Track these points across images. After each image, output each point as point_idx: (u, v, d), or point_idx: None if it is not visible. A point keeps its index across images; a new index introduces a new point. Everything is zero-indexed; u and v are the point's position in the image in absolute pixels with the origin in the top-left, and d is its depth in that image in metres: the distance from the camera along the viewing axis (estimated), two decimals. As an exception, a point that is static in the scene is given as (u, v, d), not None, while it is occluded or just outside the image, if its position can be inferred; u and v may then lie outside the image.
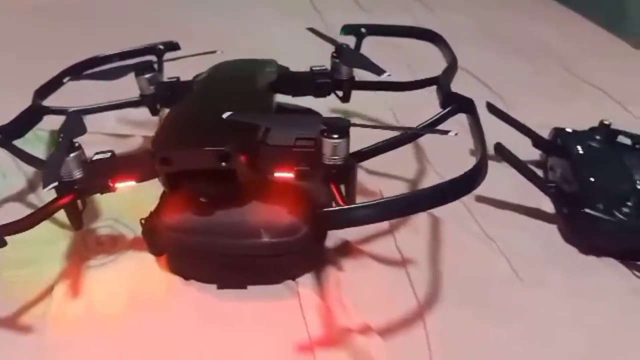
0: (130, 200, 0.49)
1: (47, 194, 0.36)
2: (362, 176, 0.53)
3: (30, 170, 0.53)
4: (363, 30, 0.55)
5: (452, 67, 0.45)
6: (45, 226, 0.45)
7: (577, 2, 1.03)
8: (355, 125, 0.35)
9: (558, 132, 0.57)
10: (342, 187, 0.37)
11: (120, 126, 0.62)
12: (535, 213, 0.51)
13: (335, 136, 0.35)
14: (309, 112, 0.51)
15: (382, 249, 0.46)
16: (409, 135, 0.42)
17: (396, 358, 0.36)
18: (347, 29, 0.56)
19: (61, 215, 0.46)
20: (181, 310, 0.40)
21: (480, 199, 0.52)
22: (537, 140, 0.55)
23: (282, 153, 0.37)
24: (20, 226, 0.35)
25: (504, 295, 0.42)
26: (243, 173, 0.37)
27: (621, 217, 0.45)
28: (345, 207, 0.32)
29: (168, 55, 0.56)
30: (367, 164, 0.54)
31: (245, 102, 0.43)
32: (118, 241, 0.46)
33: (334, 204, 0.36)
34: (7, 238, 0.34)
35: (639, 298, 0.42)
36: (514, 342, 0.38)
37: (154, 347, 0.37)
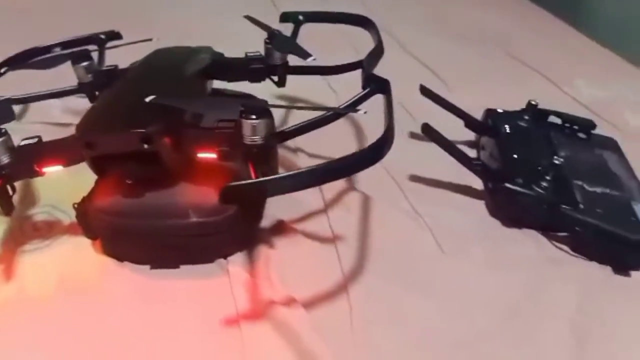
0: (68, 187, 0.50)
1: None
2: (303, 159, 0.55)
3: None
4: (300, 17, 0.56)
5: (376, 51, 0.47)
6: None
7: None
8: (272, 106, 0.37)
9: (489, 112, 0.59)
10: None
11: (64, 115, 0.62)
12: (465, 190, 0.53)
13: (254, 117, 0.36)
14: (248, 97, 0.52)
15: (315, 227, 0.48)
16: (327, 118, 0.44)
17: (318, 328, 0.38)
18: (286, 17, 0.57)
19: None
20: (114, 291, 0.41)
21: (414, 178, 0.54)
22: (468, 121, 0.57)
23: (204, 135, 0.39)
24: None
25: (426, 267, 0.44)
26: (167, 155, 0.38)
27: (540, 191, 0.47)
28: (247, 181, 0.33)
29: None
30: (306, 145, 0.56)
31: (174, 88, 0.44)
32: (54, 226, 0.46)
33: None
34: None
35: (556, 267, 0.45)
36: (432, 312, 0.40)
37: (87, 328, 0.38)
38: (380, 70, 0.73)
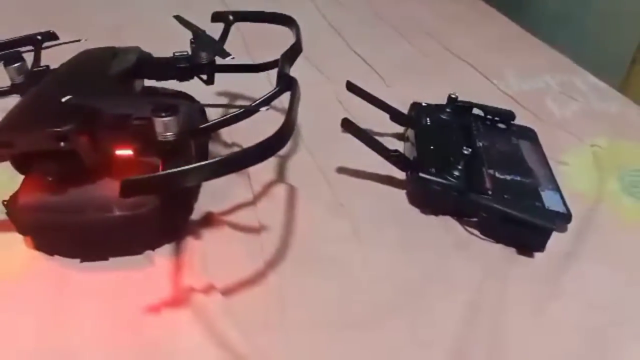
0: (6, 185, 0.51)
1: None
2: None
3: None
4: (231, 17, 0.58)
5: (292, 50, 0.49)
6: None
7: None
8: (182, 104, 0.39)
9: (415, 106, 0.62)
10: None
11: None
12: (388, 180, 0.56)
13: (163, 114, 0.39)
14: (179, 95, 0.54)
15: (243, 219, 0.50)
16: (240, 114, 0.46)
17: (233, 312, 0.41)
18: (216, 16, 0.59)
19: None
20: (42, 285, 0.43)
21: (341, 170, 0.57)
22: (393, 114, 0.60)
23: (121, 133, 0.41)
24: None
25: (341, 253, 0.47)
26: (85, 152, 0.40)
27: (451, 179, 0.50)
28: (144, 176, 0.35)
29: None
30: (241, 139, 0.58)
31: (96, 87, 0.45)
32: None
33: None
34: None
35: (463, 249, 0.48)
36: (337, 292, 0.43)
37: (12, 321, 0.40)
38: (321, 66, 0.76)
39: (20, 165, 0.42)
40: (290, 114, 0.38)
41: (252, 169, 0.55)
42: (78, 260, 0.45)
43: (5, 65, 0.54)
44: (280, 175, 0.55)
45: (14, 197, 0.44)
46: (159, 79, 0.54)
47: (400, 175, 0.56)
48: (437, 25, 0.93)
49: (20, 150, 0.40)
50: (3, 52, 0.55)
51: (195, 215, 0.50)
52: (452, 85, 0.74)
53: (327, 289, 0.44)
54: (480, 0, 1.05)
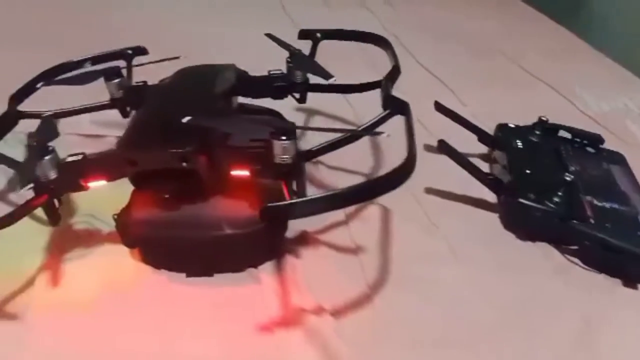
0: (105, 198, 0.53)
1: (26, 193, 0.40)
2: (324, 173, 0.57)
3: (10, 170, 0.56)
4: (318, 35, 0.59)
5: (394, 71, 0.49)
6: (25, 223, 0.49)
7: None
8: (299, 128, 0.40)
9: (501, 127, 0.62)
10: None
11: (94, 127, 0.65)
12: (479, 203, 0.55)
13: (284, 138, 0.39)
14: (270, 112, 0.55)
15: (337, 238, 0.50)
16: (349, 138, 0.47)
17: (344, 335, 0.41)
18: (304, 34, 0.60)
19: (38, 210, 0.50)
20: (152, 297, 0.44)
21: (430, 191, 0.57)
22: (481, 136, 0.59)
23: (238, 154, 0.42)
24: (4, 221, 0.38)
25: (439, 274, 0.47)
26: (203, 172, 0.41)
27: (551, 205, 0.50)
28: (287, 202, 0.36)
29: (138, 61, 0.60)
30: (329, 161, 0.58)
31: (205, 106, 0.46)
32: (95, 235, 0.49)
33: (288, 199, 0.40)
34: None
35: (565, 276, 0.48)
36: (443, 314, 0.43)
37: (127, 332, 0.41)
38: (396, 84, 0.76)
39: (138, 181, 0.43)
40: (412, 142, 0.38)
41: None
42: (184, 274, 0.46)
43: (106, 80, 0.56)
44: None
45: (126, 211, 0.45)
46: (254, 97, 0.55)
47: (491, 197, 0.55)
48: (509, 42, 0.92)
49: (142, 169, 0.41)
50: (104, 67, 0.57)
51: (290, 233, 0.50)
52: (527, 104, 0.74)
53: (430, 308, 0.44)
54: (550, 19, 1.04)
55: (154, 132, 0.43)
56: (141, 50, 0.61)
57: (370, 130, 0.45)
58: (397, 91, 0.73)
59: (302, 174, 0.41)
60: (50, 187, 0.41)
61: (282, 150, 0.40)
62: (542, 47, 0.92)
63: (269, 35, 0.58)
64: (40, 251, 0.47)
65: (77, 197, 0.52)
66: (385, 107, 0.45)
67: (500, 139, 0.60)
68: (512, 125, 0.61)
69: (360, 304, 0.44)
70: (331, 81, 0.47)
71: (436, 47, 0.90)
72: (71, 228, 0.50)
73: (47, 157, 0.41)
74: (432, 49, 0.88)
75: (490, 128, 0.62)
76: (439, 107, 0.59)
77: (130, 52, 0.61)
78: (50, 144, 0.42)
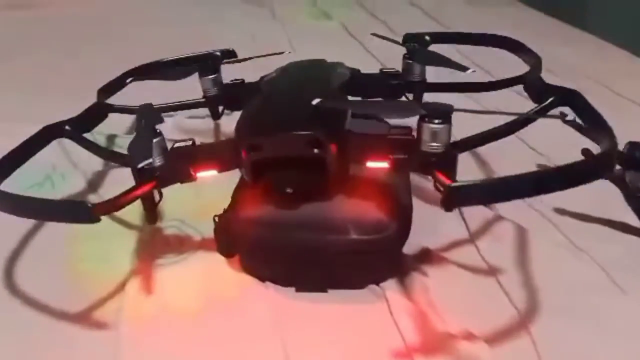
0: (195, 202, 0.47)
1: (108, 192, 0.34)
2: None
3: (88, 170, 0.51)
4: (427, 38, 0.53)
5: (537, 65, 0.43)
6: (109, 223, 0.43)
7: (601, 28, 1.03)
8: (458, 110, 0.33)
9: (635, 145, 0.54)
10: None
11: (175, 133, 0.60)
12: (621, 226, 0.48)
13: (437, 121, 0.33)
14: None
15: (465, 257, 0.43)
16: (512, 125, 0.40)
17: (505, 366, 0.33)
18: (410, 38, 0.54)
19: (125, 211, 0.44)
20: (258, 313, 0.37)
21: (560, 212, 0.49)
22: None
23: (375, 141, 0.35)
24: (109, 206, 0.33)
25: (606, 305, 0.39)
26: (332, 162, 0.35)
27: None
28: (478, 181, 0.29)
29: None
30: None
31: (326, 96, 0.40)
32: (185, 242, 0.43)
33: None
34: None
35: None
36: (623, 352, 0.35)
37: (229, 351, 0.34)
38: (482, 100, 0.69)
39: (255, 173, 0.36)
40: (606, 126, 0.31)
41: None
42: (292, 289, 0.39)
43: (201, 76, 0.51)
44: (494, 210, 0.48)
45: (231, 210, 0.39)
46: (365, 96, 0.49)
47: (633, 219, 0.48)
48: (594, 70, 0.86)
49: (267, 155, 0.35)
50: (199, 64, 0.52)
51: (408, 250, 0.43)
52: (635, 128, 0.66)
53: (602, 345, 0.35)
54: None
55: (279, 115, 0.37)
56: (230, 53, 0.57)
57: (533, 117, 0.38)
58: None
59: (454, 167, 0.34)
60: (156, 175, 0.35)
61: (432, 136, 0.33)
62: (625, 75, 0.85)
63: (376, 34, 0.53)
64: (129, 255, 0.41)
65: (163, 200, 0.46)
66: (541, 98, 0.39)
67: (635, 157, 0.52)
68: (647, 144, 0.54)
69: (516, 332, 0.36)
70: (468, 74, 0.40)
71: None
72: (160, 232, 0.44)
73: (154, 140, 0.35)
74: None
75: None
76: (567, 121, 0.52)
77: (218, 53, 0.56)
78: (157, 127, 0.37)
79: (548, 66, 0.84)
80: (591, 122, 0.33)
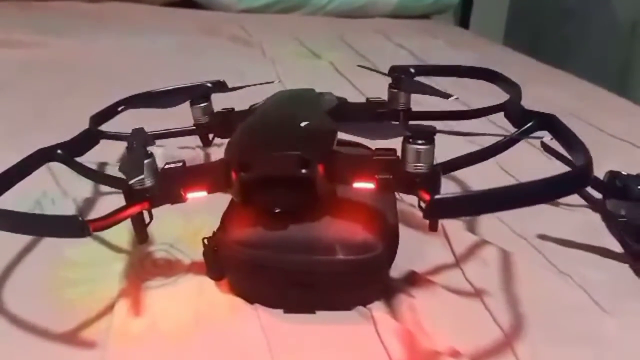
0: (185, 226, 0.47)
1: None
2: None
3: (79, 196, 0.52)
4: (412, 70, 0.55)
5: (517, 93, 0.45)
6: (95, 248, 0.44)
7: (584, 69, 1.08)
8: (441, 132, 0.34)
9: (614, 174, 0.56)
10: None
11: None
12: (602, 251, 0.49)
13: (420, 142, 0.34)
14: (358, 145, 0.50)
15: (451, 280, 0.44)
16: (494, 147, 0.41)
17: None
18: (395, 70, 0.56)
19: (114, 237, 0.45)
20: (246, 334, 0.37)
21: (543, 237, 0.50)
22: (595, 183, 0.54)
23: (361, 162, 0.36)
24: (101, 222, 0.33)
25: (588, 325, 0.39)
26: (320, 182, 0.36)
27: None
28: (462, 194, 0.30)
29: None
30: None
31: (315, 119, 0.42)
32: (174, 265, 0.43)
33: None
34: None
35: None
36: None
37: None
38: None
39: (244, 194, 0.37)
40: (583, 146, 0.32)
41: (448, 227, 0.49)
42: (281, 310, 0.39)
43: (192, 104, 0.52)
44: (477, 234, 0.49)
45: (220, 232, 0.39)
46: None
47: (614, 245, 0.49)
48: (577, 108, 0.89)
49: (257, 175, 0.36)
50: (190, 92, 0.53)
51: (394, 273, 0.44)
52: (618, 163, 0.68)
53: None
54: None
55: (269, 136, 0.38)
56: (221, 85, 0.58)
57: (510, 145, 0.39)
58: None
59: (438, 187, 0.35)
60: (146, 196, 0.36)
61: (416, 156, 0.34)
62: (607, 113, 0.87)
63: (362, 66, 0.55)
64: (118, 277, 0.41)
65: (152, 223, 0.47)
66: (521, 123, 0.40)
67: (616, 186, 0.54)
68: (625, 173, 0.55)
69: (501, 351, 0.36)
70: (450, 101, 0.42)
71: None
72: (149, 256, 0.44)
73: (146, 161, 0.36)
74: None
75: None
76: (547, 148, 0.54)
77: (210, 85, 0.58)
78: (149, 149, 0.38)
79: (530, 105, 0.87)
80: (568, 143, 0.34)
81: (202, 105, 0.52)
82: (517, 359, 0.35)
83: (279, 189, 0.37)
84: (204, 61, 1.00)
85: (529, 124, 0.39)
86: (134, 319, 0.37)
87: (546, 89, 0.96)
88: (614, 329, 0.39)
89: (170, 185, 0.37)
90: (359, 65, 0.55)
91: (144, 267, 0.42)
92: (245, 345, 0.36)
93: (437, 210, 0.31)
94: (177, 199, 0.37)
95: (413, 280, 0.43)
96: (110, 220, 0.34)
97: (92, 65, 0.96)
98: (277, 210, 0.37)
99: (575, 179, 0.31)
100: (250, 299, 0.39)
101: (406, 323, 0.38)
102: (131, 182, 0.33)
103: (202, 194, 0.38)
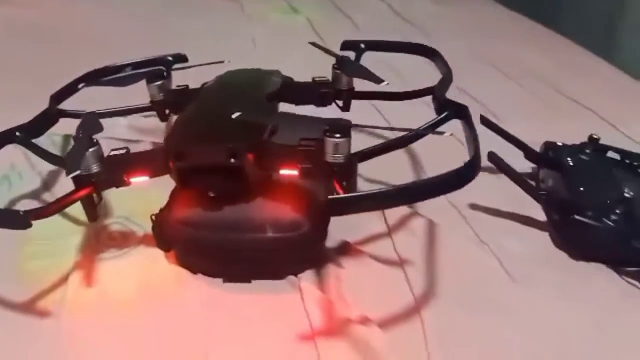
0: (140, 200, 0.51)
1: (60, 191, 0.38)
2: (360, 183, 0.56)
3: (44, 170, 0.56)
4: (362, 45, 0.58)
5: (447, 78, 0.48)
6: (59, 222, 0.48)
7: (568, 28, 1.07)
8: (356, 125, 0.38)
9: (549, 145, 0.59)
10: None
11: (130, 132, 0.64)
12: (527, 221, 0.53)
13: (338, 135, 0.38)
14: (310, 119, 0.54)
15: (381, 250, 0.48)
16: (406, 138, 0.45)
17: (394, 347, 0.38)
18: (347, 45, 0.59)
19: (74, 211, 0.49)
20: (189, 302, 0.42)
21: (474, 207, 0.54)
22: (529, 153, 0.57)
23: (287, 152, 0.40)
24: (42, 212, 0.37)
25: (495, 293, 0.44)
26: (250, 170, 0.39)
27: (610, 224, 0.47)
28: (352, 194, 0.34)
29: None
30: (364, 170, 0.56)
31: (251, 107, 0.45)
32: (129, 237, 0.48)
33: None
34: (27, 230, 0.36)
35: (628, 301, 0.44)
36: (506, 337, 0.40)
37: (162, 336, 0.39)
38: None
39: (182, 179, 0.41)
40: (476, 141, 0.36)
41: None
42: (221, 280, 0.44)
43: (148, 82, 0.55)
44: (413, 207, 0.53)
45: (165, 211, 0.44)
46: (298, 103, 0.53)
47: (539, 215, 0.53)
48: (544, 69, 0.91)
49: (190, 164, 0.39)
50: (147, 70, 0.56)
51: (329, 243, 0.48)
52: (568, 128, 0.71)
53: (486, 330, 0.41)
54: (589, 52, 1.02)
55: (202, 127, 0.42)
56: (181, 58, 0.61)
57: (428, 131, 0.43)
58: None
59: (354, 175, 0.39)
60: (93, 181, 0.40)
61: (334, 148, 0.38)
62: (578, 75, 0.89)
63: (313, 44, 0.58)
64: (74, 250, 0.45)
65: (111, 198, 0.51)
66: (440, 111, 0.44)
67: (548, 156, 0.57)
68: (560, 144, 0.59)
69: (410, 317, 0.41)
70: (382, 86, 0.45)
71: (473, 74, 0.88)
72: (105, 229, 0.48)
73: (91, 150, 0.40)
74: (469, 75, 0.87)
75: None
76: (485, 121, 0.57)
77: (170, 58, 0.60)
78: (94, 137, 0.41)
79: (507, 68, 0.89)
80: (470, 137, 0.38)
81: (158, 83, 0.54)
82: (423, 325, 0.40)
83: (213, 175, 0.40)
84: (184, 21, 1.01)
85: (444, 114, 0.43)
86: (86, 289, 0.41)
87: (522, 48, 0.98)
88: (519, 298, 0.44)
89: (115, 171, 0.41)
90: (310, 43, 0.57)
91: (100, 239, 0.47)
92: (185, 313, 0.41)
93: (332, 209, 0.34)
94: (121, 183, 0.41)
95: (345, 250, 0.48)
96: (52, 209, 0.38)
97: (72, 28, 0.98)
98: (211, 194, 0.41)
99: (459, 179, 0.35)
100: (194, 269, 0.44)
101: (330, 292, 0.43)
102: (69, 176, 0.37)
103: (144, 178, 0.42)
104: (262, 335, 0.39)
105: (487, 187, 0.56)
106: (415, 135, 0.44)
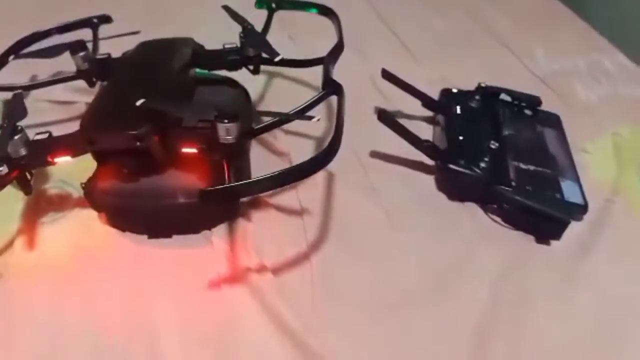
0: (74, 164, 0.58)
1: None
2: (281, 140, 0.62)
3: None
4: (273, 5, 0.62)
5: (337, 49, 0.53)
6: (2, 193, 0.54)
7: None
8: (241, 113, 0.44)
9: (444, 92, 0.66)
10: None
11: (66, 93, 0.69)
12: (418, 166, 0.61)
13: (226, 121, 0.44)
14: (229, 81, 0.59)
15: (287, 202, 0.56)
16: (279, 121, 0.52)
17: (283, 291, 0.47)
18: (260, 3, 0.63)
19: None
20: (118, 256, 0.50)
21: (374, 154, 0.62)
22: (425, 101, 0.64)
23: (187, 133, 0.46)
24: None
25: (375, 238, 0.53)
26: (156, 150, 0.46)
27: (478, 171, 0.55)
28: (215, 188, 0.42)
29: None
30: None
31: (164, 84, 0.50)
32: (66, 200, 0.55)
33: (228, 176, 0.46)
34: None
35: (485, 237, 0.54)
36: (379, 279, 0.49)
37: (95, 287, 0.48)
38: (358, 42, 0.77)
39: (99, 157, 0.48)
40: (340, 125, 0.43)
41: (292, 152, 0.60)
42: (146, 236, 0.52)
43: (72, 53, 0.59)
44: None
45: (92, 181, 0.50)
46: (210, 69, 0.58)
47: (430, 161, 0.61)
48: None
49: (102, 148, 0.46)
50: (69, 42, 0.60)
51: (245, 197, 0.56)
52: (481, 64, 0.77)
53: (365, 271, 0.50)
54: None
55: (110, 115, 0.47)
56: (106, 19, 0.64)
57: (306, 111, 0.49)
58: (361, 54, 0.76)
59: (246, 152, 0.46)
60: (22, 163, 0.46)
61: (225, 131, 0.45)
62: (509, 6, 0.92)
63: (226, 8, 0.61)
64: (17, 217, 0.53)
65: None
66: (323, 87, 0.50)
67: (443, 103, 0.64)
68: (455, 90, 0.65)
69: (300, 264, 0.50)
70: (277, 59, 0.51)
71: (400, 6, 0.91)
72: (44, 194, 0.55)
73: (16, 137, 0.46)
74: (395, 7, 0.90)
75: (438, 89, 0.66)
76: (386, 75, 0.63)
77: (95, 20, 0.64)
78: (19, 123, 0.47)
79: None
80: (337, 118, 0.45)
81: (82, 54, 0.59)
82: (312, 269, 0.49)
83: (125, 155, 0.47)
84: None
85: (323, 92, 0.49)
86: (28, 253, 0.49)
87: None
88: (397, 243, 0.53)
89: (40, 153, 0.47)
90: (223, 7, 0.61)
91: (40, 205, 0.54)
92: (115, 266, 0.49)
93: (204, 198, 0.42)
94: (47, 163, 0.48)
95: (256, 204, 0.55)
96: None
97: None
98: (125, 171, 0.48)
99: (317, 165, 0.42)
100: (122, 228, 0.52)
101: (236, 245, 0.51)
102: None
103: (67, 158, 0.48)
104: (178, 283, 0.48)
105: (389, 134, 0.63)
106: (286, 119, 0.50)
